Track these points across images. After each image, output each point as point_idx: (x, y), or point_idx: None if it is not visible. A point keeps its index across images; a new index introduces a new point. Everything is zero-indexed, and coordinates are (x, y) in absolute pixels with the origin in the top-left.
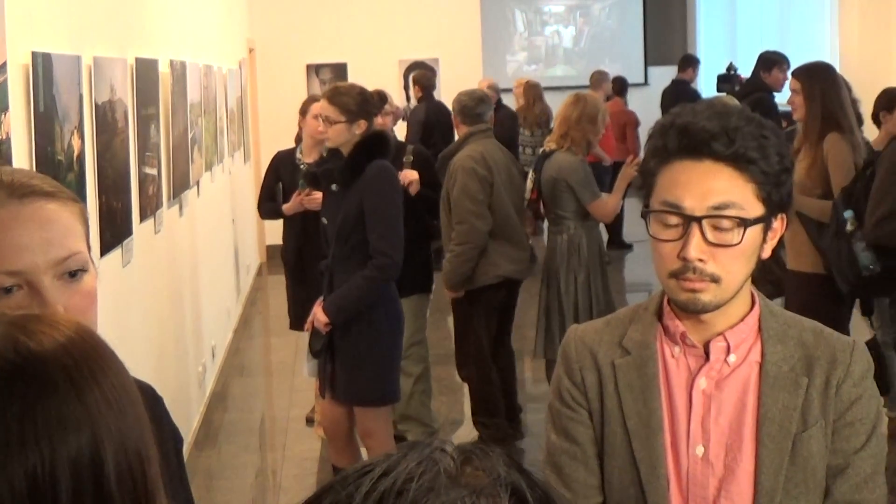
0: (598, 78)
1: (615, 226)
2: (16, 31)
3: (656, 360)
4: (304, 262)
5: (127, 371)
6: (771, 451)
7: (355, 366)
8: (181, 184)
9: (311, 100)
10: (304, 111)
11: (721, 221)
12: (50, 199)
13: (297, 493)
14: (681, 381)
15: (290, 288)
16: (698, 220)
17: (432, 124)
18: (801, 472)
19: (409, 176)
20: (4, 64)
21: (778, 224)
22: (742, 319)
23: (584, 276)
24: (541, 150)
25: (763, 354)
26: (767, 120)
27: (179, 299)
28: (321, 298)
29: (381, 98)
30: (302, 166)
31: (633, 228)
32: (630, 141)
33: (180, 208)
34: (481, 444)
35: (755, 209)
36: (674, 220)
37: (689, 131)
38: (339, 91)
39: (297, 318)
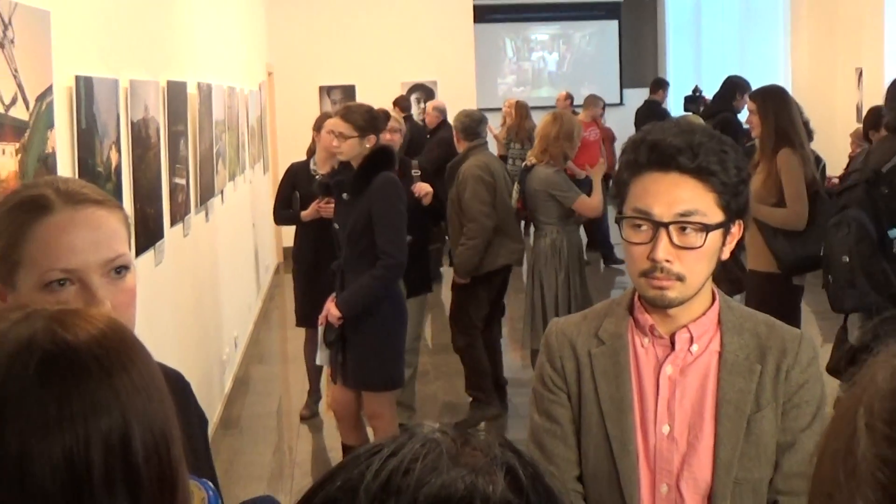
0: (591, 101)
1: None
2: (61, 57)
3: (628, 350)
4: (319, 265)
5: (153, 360)
6: (728, 430)
7: (364, 355)
8: (207, 192)
9: (325, 116)
10: (318, 127)
11: (686, 227)
12: (99, 206)
13: (311, 467)
14: (649, 367)
15: (301, 288)
16: (666, 225)
17: (412, 141)
18: (754, 447)
19: (424, 188)
20: (51, 87)
21: (736, 229)
22: (704, 313)
23: (564, 275)
24: (523, 164)
25: (722, 344)
26: (727, 137)
27: (205, 295)
28: (333, 295)
29: (386, 116)
30: (317, 177)
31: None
32: (608, 155)
33: (206, 214)
34: (479, 428)
35: (716, 216)
36: (644, 225)
37: (659, 146)
38: (350, 109)
39: (304, 317)
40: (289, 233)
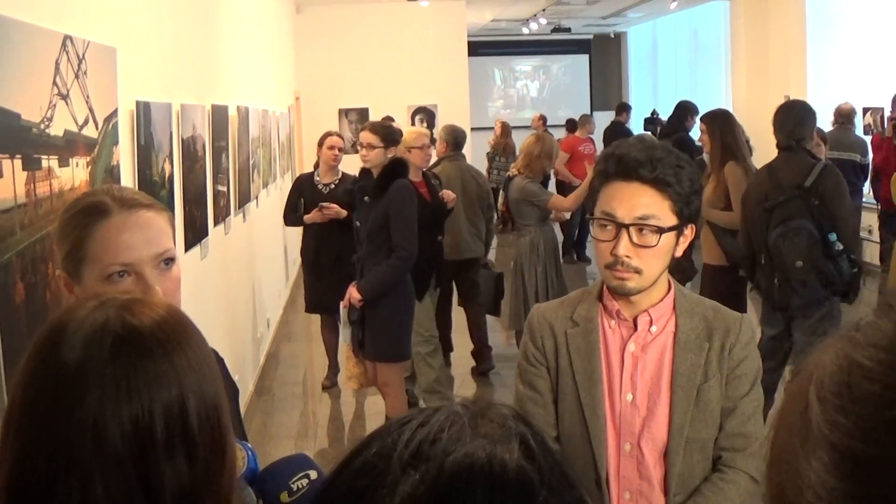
0: (585, 120)
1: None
2: (125, 85)
3: (598, 330)
4: (319, 260)
5: (205, 340)
6: (681, 398)
7: (380, 331)
8: (244, 198)
9: (327, 135)
10: (321, 143)
11: (643, 228)
12: (149, 209)
13: (332, 430)
14: (616, 345)
15: (307, 280)
16: (626, 226)
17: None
18: (702, 412)
19: (450, 195)
20: (116, 110)
21: (689, 231)
22: (661, 300)
23: (542, 268)
24: (506, 174)
25: (676, 326)
26: (683, 153)
27: (243, 284)
28: (354, 282)
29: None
30: (320, 186)
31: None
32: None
33: (244, 216)
34: (494, 402)
35: (670, 220)
36: (609, 225)
37: (624, 159)
38: (379, 124)
39: (310, 303)
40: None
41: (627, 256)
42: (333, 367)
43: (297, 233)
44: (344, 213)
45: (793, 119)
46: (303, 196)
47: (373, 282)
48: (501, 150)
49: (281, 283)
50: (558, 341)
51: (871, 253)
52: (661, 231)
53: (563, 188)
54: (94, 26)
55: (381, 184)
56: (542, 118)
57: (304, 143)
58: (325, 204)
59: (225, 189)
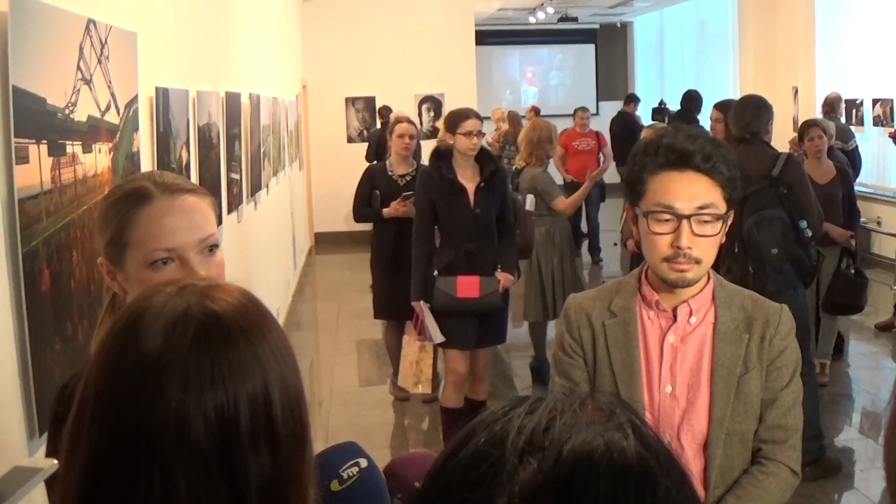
0: (579, 112)
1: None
2: (145, 72)
3: (636, 321)
4: (398, 260)
5: (282, 328)
6: (721, 389)
7: (504, 313)
8: (256, 186)
9: (397, 121)
10: (390, 131)
11: (703, 217)
12: (192, 194)
13: (341, 416)
14: (655, 336)
15: (381, 283)
16: (688, 217)
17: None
18: (742, 404)
19: None
20: (136, 96)
21: (730, 218)
22: (701, 290)
23: (558, 259)
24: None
25: (716, 317)
26: (721, 141)
27: (254, 272)
28: (499, 269)
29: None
30: (395, 178)
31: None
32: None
33: (255, 204)
34: (595, 389)
35: (723, 207)
36: (667, 217)
37: (674, 149)
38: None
39: (383, 309)
40: (321, 219)
41: (689, 248)
42: (397, 373)
43: (304, 221)
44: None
45: (748, 113)
46: (376, 188)
47: (513, 262)
48: (512, 139)
49: (289, 272)
50: (596, 332)
51: (880, 245)
52: (721, 219)
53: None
54: (116, 10)
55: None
56: (535, 109)
57: (311, 130)
58: (408, 193)
59: (238, 177)
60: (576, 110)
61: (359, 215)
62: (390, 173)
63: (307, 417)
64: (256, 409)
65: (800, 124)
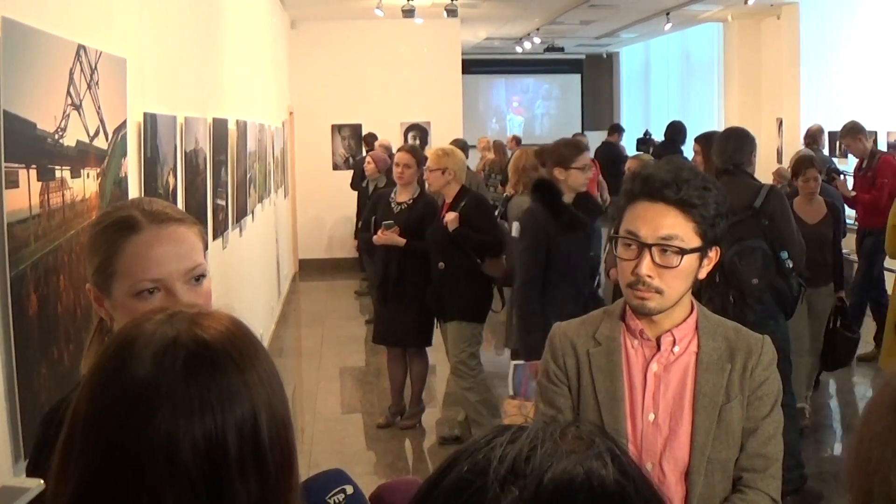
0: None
1: None
2: (134, 98)
3: (620, 350)
4: (386, 287)
5: (270, 355)
6: (703, 418)
7: None
8: (241, 212)
9: (399, 149)
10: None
11: (666, 249)
12: (180, 224)
13: (324, 443)
14: (638, 365)
15: (376, 307)
16: (649, 246)
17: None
18: (724, 433)
19: (451, 216)
20: (125, 121)
21: (713, 254)
22: (684, 320)
23: None
24: (503, 195)
25: (699, 346)
26: (710, 176)
27: (238, 299)
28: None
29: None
30: (393, 205)
31: None
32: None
33: (241, 230)
34: (576, 419)
35: (693, 241)
36: (632, 244)
37: (650, 180)
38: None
39: (376, 334)
40: (306, 246)
41: (649, 276)
42: (395, 405)
43: (289, 248)
44: (401, 241)
45: (732, 144)
46: (377, 213)
47: None
48: (498, 168)
49: (273, 298)
50: (580, 360)
51: None
52: (683, 252)
53: None
54: (106, 36)
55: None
56: (516, 139)
57: (297, 157)
58: (386, 223)
59: (224, 203)
60: (574, 136)
61: (359, 238)
62: (391, 199)
63: (294, 444)
64: (245, 435)
65: (793, 159)
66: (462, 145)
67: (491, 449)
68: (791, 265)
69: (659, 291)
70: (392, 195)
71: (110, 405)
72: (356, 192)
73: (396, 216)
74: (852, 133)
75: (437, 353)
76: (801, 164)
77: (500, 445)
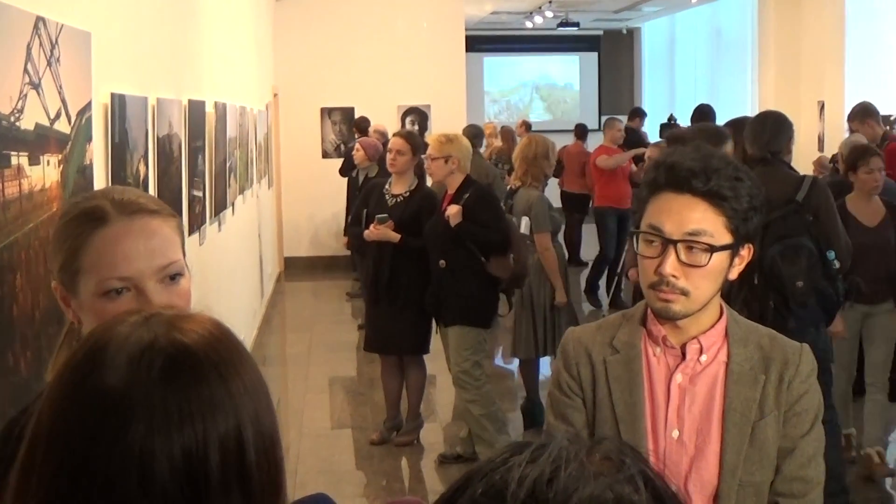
0: (609, 124)
1: (573, 247)
2: (99, 76)
3: (641, 358)
4: (377, 287)
5: (255, 363)
6: (734, 436)
7: None
8: (220, 204)
9: (394, 134)
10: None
11: (693, 246)
12: (154, 216)
13: (311, 462)
14: (661, 375)
15: (366, 309)
16: (674, 242)
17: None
18: (757, 452)
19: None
20: (90, 103)
21: (745, 252)
22: (712, 326)
23: (550, 287)
24: (508, 187)
25: (729, 355)
26: (743, 165)
27: (217, 301)
28: None
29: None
30: (387, 197)
31: (588, 249)
32: (588, 176)
33: (219, 225)
34: (603, 436)
35: (724, 238)
36: (655, 241)
37: (675, 168)
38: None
39: (366, 340)
40: (292, 242)
41: (674, 276)
42: (391, 420)
43: (273, 245)
44: (395, 237)
45: (768, 130)
46: (368, 206)
47: None
48: (506, 157)
49: (256, 301)
50: (596, 370)
51: None
52: (712, 249)
53: (569, 201)
54: (69, 7)
55: None
56: (526, 123)
57: (282, 144)
58: (380, 217)
59: (200, 194)
60: (607, 120)
61: (348, 234)
62: (385, 191)
63: (282, 461)
64: (228, 451)
65: (848, 148)
66: (475, 133)
67: (508, 469)
68: (837, 266)
69: (685, 293)
70: (386, 186)
71: (77, 417)
72: (346, 183)
73: (391, 210)
74: (860, 116)
75: (437, 362)
76: (861, 154)
77: (519, 465)
